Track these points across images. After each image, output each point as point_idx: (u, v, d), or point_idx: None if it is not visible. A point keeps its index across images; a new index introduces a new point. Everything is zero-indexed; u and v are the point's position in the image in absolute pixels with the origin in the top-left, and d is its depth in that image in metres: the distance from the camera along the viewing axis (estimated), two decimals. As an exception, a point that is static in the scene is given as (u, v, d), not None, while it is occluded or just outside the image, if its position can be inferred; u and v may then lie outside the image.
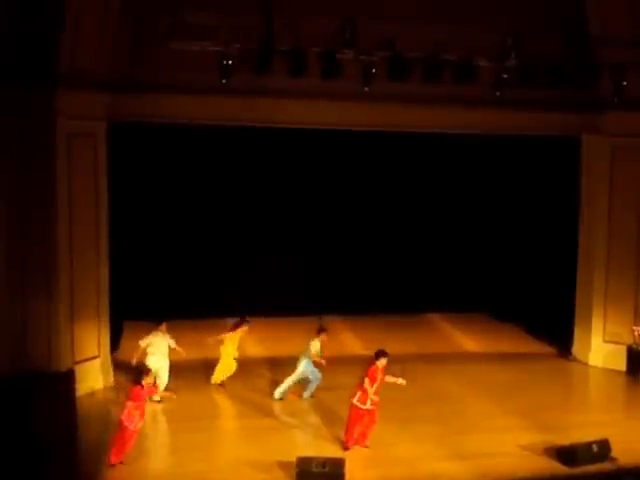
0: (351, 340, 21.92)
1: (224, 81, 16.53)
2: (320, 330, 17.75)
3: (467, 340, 21.24)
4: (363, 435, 15.54)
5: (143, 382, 14.67)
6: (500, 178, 23.55)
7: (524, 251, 23.41)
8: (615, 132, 19.99)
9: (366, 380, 15.22)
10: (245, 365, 19.37)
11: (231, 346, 18.51)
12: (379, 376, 15.31)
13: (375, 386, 15.26)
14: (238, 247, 22.82)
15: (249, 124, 19.11)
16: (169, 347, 17.81)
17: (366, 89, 17.10)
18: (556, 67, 18.01)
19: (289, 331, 22.08)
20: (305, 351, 17.61)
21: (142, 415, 14.68)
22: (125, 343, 19.97)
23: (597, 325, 20.60)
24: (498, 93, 17.87)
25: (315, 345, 17.55)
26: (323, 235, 23.31)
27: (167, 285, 22.23)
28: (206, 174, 22.14)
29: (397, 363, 16.56)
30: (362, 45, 16.77)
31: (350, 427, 15.43)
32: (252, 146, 21.67)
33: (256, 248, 22.90)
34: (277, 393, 17.88)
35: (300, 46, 16.67)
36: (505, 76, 17.69)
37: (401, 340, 20.72)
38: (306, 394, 17.91)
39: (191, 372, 18.87)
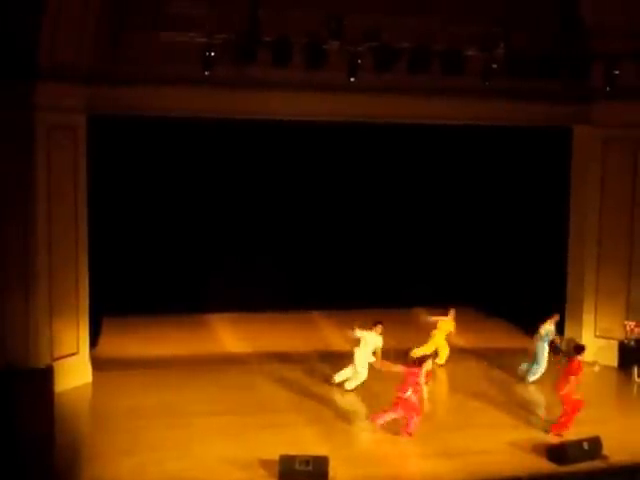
0: (333, 335, 22.47)
1: (207, 72, 17.19)
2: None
3: (452, 335, 21.31)
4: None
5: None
6: (489, 170, 24.25)
7: (512, 243, 24.02)
8: (607, 123, 20.63)
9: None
10: (230, 361, 20.22)
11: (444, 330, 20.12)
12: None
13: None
14: (221, 242, 23.46)
15: (233, 116, 19.64)
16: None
17: (352, 80, 17.68)
18: (546, 57, 18.68)
19: (274, 326, 22.96)
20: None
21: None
22: (104, 339, 20.67)
23: (588, 320, 21.27)
24: (487, 83, 18.47)
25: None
26: (308, 230, 24.00)
27: (148, 281, 22.91)
28: (189, 168, 22.80)
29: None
30: (348, 35, 17.37)
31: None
32: (236, 139, 22.28)
33: (239, 243, 23.58)
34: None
35: (285, 36, 17.24)
36: (494, 66, 18.30)
37: (385, 335, 21.01)
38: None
39: (176, 368, 19.65)
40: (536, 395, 19.10)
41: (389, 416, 16.53)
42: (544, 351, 19.43)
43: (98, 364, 19.43)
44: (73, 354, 18.79)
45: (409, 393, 16.25)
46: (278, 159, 23.29)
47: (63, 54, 17.49)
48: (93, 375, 19.09)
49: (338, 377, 18.90)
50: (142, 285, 22.79)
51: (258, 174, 23.40)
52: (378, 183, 24.23)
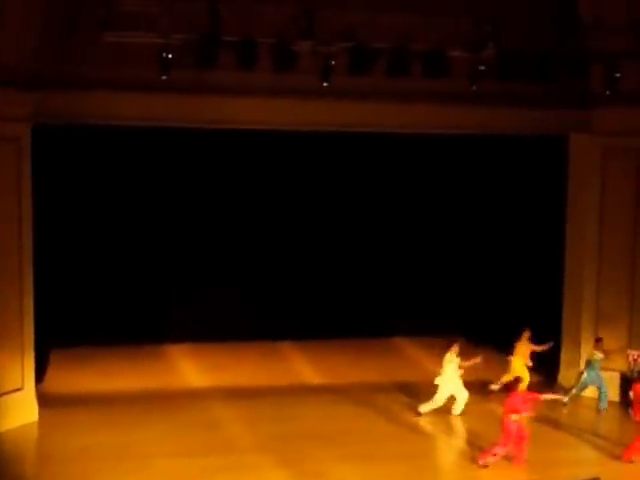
0: (306, 368, 22.23)
1: (164, 77, 16.89)
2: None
3: (439, 368, 20.80)
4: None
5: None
6: (477, 185, 23.91)
7: (503, 266, 23.72)
8: (607, 130, 20.23)
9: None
10: (190, 396, 19.85)
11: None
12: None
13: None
14: (178, 264, 23.22)
15: (193, 125, 19.30)
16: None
17: (325, 84, 17.46)
18: (540, 57, 18.47)
19: (239, 358, 22.63)
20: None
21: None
22: (52, 373, 20.31)
23: (586, 349, 20.69)
24: (474, 87, 18.22)
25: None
26: (275, 252, 23.71)
27: (99, 309, 22.58)
28: (143, 183, 22.40)
29: (360, 393, 17.15)
30: (320, 35, 17.20)
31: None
32: (196, 151, 21.93)
33: (199, 264, 23.28)
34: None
35: (250, 36, 17.04)
36: (482, 68, 18.08)
37: (365, 368, 21.22)
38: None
39: (130, 404, 19.26)
40: (531, 432, 18.09)
41: (498, 451, 16.50)
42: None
43: (45, 400, 19.02)
44: (17, 390, 18.41)
45: (515, 417, 16.42)
46: (243, 172, 22.90)
47: (5, 58, 17.02)
48: (39, 413, 18.68)
49: (423, 408, 19.03)
50: (92, 314, 22.43)
51: (220, 190, 23.00)
52: (356, 201, 23.92)
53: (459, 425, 18.95)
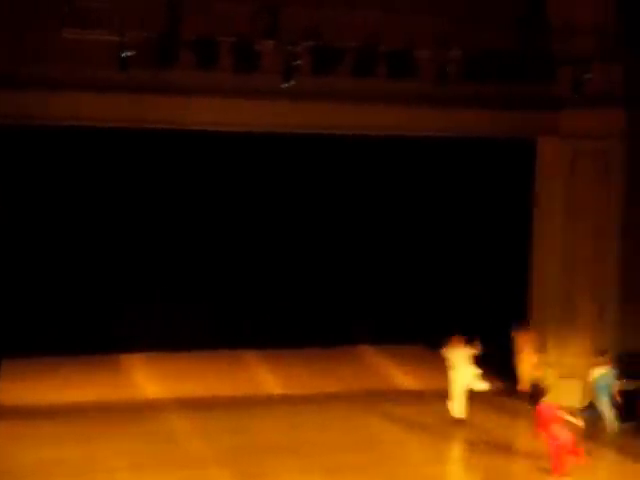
0: (268, 377, 22.05)
1: (122, 75, 16.44)
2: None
3: (402, 375, 21.39)
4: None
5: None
6: (442, 188, 23.81)
7: (465, 273, 23.66)
8: (575, 133, 20.26)
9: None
10: (148, 408, 19.53)
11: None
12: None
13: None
14: (135, 270, 22.85)
15: (150, 126, 18.92)
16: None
17: (288, 85, 17.14)
18: (508, 59, 18.19)
19: (199, 368, 22.32)
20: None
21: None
22: (4, 384, 19.86)
23: (551, 358, 20.68)
24: (441, 89, 17.98)
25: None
26: (237, 258, 23.47)
27: (53, 317, 22.13)
28: (100, 187, 22.04)
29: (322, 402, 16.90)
30: (283, 33, 16.88)
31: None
32: (154, 153, 21.62)
33: (157, 271, 22.96)
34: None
35: (210, 35, 16.69)
36: (449, 69, 17.82)
37: (326, 376, 21.05)
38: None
39: (87, 416, 18.90)
40: (493, 442, 18.33)
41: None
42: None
43: None
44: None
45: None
46: (204, 175, 22.60)
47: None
48: None
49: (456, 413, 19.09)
50: (47, 323, 21.99)
51: (178, 194, 22.70)
52: (317, 206, 23.71)
53: (424, 435, 18.65)
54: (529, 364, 20.27)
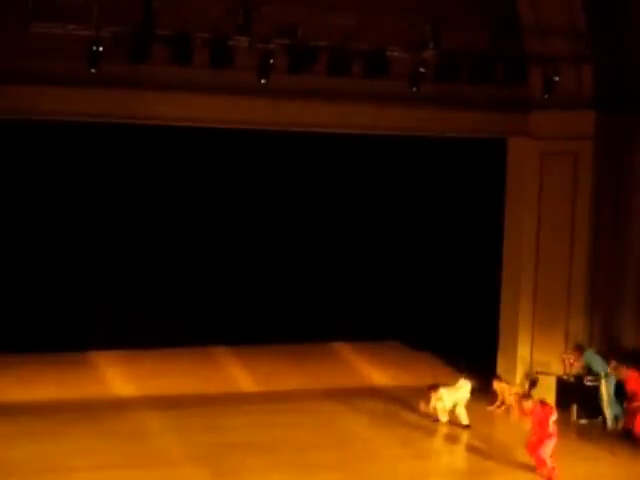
0: (240, 375, 21.94)
1: (93, 70, 16.27)
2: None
3: (376, 372, 21.34)
4: None
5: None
6: (414, 186, 23.85)
7: (440, 270, 23.68)
8: (544, 134, 20.33)
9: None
10: (115, 406, 19.33)
11: None
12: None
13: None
14: (104, 267, 22.54)
15: (123, 121, 18.68)
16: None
17: (263, 82, 17.06)
18: (480, 59, 18.27)
19: (168, 365, 22.14)
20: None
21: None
22: None
23: (523, 353, 20.90)
24: (414, 89, 17.96)
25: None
26: (208, 252, 23.19)
27: (19, 313, 21.80)
28: (70, 184, 21.73)
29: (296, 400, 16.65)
30: (258, 31, 16.77)
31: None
32: (126, 148, 21.37)
33: (126, 267, 22.65)
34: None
35: (185, 30, 16.53)
36: (422, 70, 17.84)
37: (299, 373, 20.89)
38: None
39: (52, 414, 18.65)
40: (469, 439, 18.54)
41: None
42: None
43: None
44: None
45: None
46: (177, 172, 22.38)
47: None
48: None
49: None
50: (12, 318, 21.55)
51: (148, 190, 22.39)
52: (292, 201, 23.54)
53: (399, 432, 18.67)
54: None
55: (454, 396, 18.93)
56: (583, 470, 17.04)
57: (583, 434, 18.75)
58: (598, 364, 19.25)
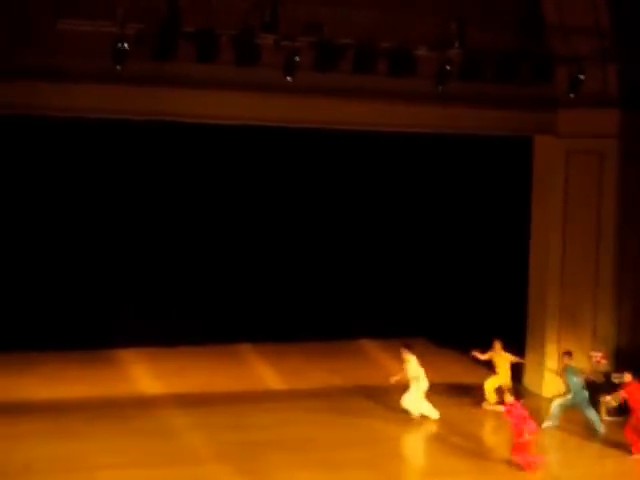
0: (267, 372, 21.96)
1: (119, 67, 16.36)
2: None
3: (403, 370, 20.67)
4: None
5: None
6: (441, 183, 23.92)
7: (467, 267, 23.67)
8: (570, 133, 20.34)
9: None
10: (141, 404, 19.38)
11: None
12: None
13: None
14: (130, 263, 22.59)
15: (149, 118, 18.71)
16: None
17: (288, 79, 17.10)
18: (506, 58, 18.32)
19: (195, 363, 22.21)
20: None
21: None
22: None
23: (550, 352, 20.80)
24: (440, 87, 18.00)
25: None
26: (235, 251, 23.23)
27: (45, 310, 21.86)
28: (93, 179, 21.82)
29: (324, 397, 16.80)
30: (284, 28, 16.86)
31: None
32: (151, 146, 21.46)
33: (153, 264, 22.70)
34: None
35: (210, 28, 16.66)
36: (448, 68, 17.86)
37: (326, 371, 20.85)
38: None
39: (78, 412, 18.66)
40: (496, 437, 18.59)
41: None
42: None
43: None
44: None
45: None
46: (205, 169, 22.41)
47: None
48: None
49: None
50: (38, 316, 21.65)
51: (174, 186, 22.46)
52: (318, 200, 23.58)
53: (429, 430, 18.74)
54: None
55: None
56: (611, 468, 17.05)
57: (611, 431, 18.57)
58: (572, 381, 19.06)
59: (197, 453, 17.13)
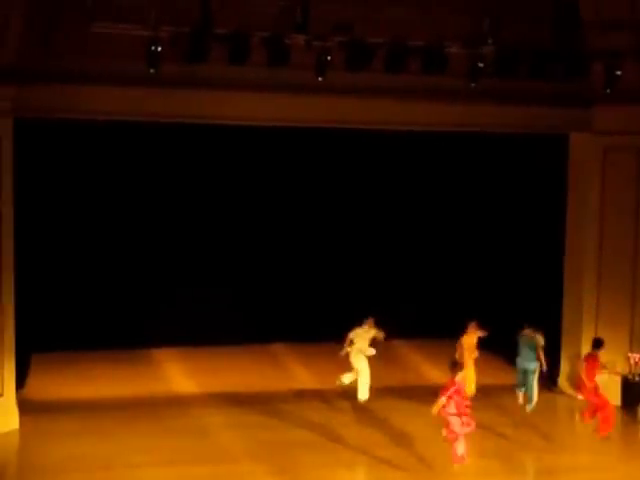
0: (300, 372, 22.11)
1: (152, 70, 16.42)
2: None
3: (434, 370, 21.22)
4: None
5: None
6: (476, 182, 23.72)
7: (501, 266, 23.50)
8: (607, 129, 20.11)
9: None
10: (177, 403, 19.56)
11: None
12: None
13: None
14: (165, 265, 22.74)
15: (182, 121, 18.93)
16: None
17: (320, 80, 17.11)
18: (540, 54, 18.15)
19: (229, 362, 22.36)
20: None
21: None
22: (33, 379, 19.96)
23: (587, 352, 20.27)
24: (473, 84, 17.95)
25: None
26: (267, 251, 23.35)
27: (82, 312, 22.09)
28: (129, 182, 21.96)
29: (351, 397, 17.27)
30: (315, 28, 16.84)
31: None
32: (185, 147, 21.55)
33: (187, 265, 22.83)
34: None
35: (241, 29, 16.63)
36: (481, 65, 17.75)
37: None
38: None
39: (115, 411, 18.88)
40: (529, 438, 18.35)
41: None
42: None
43: (26, 407, 18.56)
44: (-3, 397, 17.99)
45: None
46: (234, 170, 22.48)
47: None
48: (20, 420, 18.19)
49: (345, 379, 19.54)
50: (76, 317, 21.89)
51: (210, 188, 22.55)
52: (349, 200, 23.56)
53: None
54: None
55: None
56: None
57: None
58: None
59: (231, 452, 17.25)
